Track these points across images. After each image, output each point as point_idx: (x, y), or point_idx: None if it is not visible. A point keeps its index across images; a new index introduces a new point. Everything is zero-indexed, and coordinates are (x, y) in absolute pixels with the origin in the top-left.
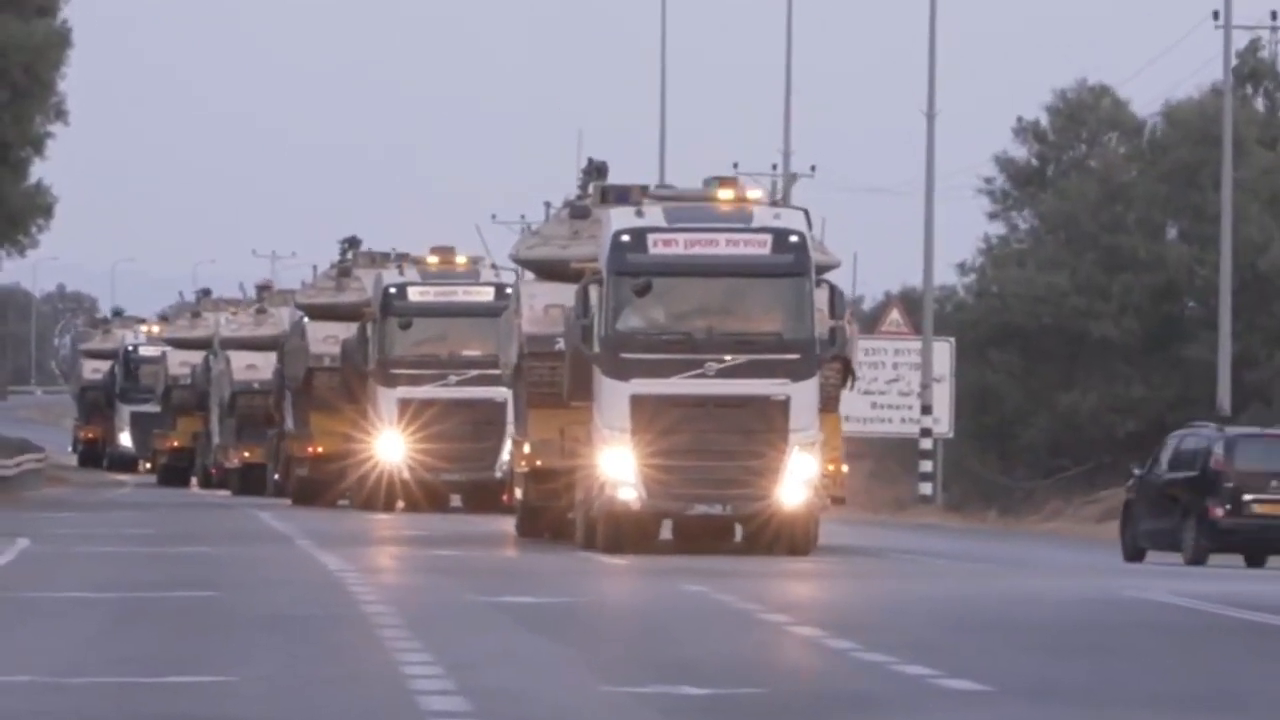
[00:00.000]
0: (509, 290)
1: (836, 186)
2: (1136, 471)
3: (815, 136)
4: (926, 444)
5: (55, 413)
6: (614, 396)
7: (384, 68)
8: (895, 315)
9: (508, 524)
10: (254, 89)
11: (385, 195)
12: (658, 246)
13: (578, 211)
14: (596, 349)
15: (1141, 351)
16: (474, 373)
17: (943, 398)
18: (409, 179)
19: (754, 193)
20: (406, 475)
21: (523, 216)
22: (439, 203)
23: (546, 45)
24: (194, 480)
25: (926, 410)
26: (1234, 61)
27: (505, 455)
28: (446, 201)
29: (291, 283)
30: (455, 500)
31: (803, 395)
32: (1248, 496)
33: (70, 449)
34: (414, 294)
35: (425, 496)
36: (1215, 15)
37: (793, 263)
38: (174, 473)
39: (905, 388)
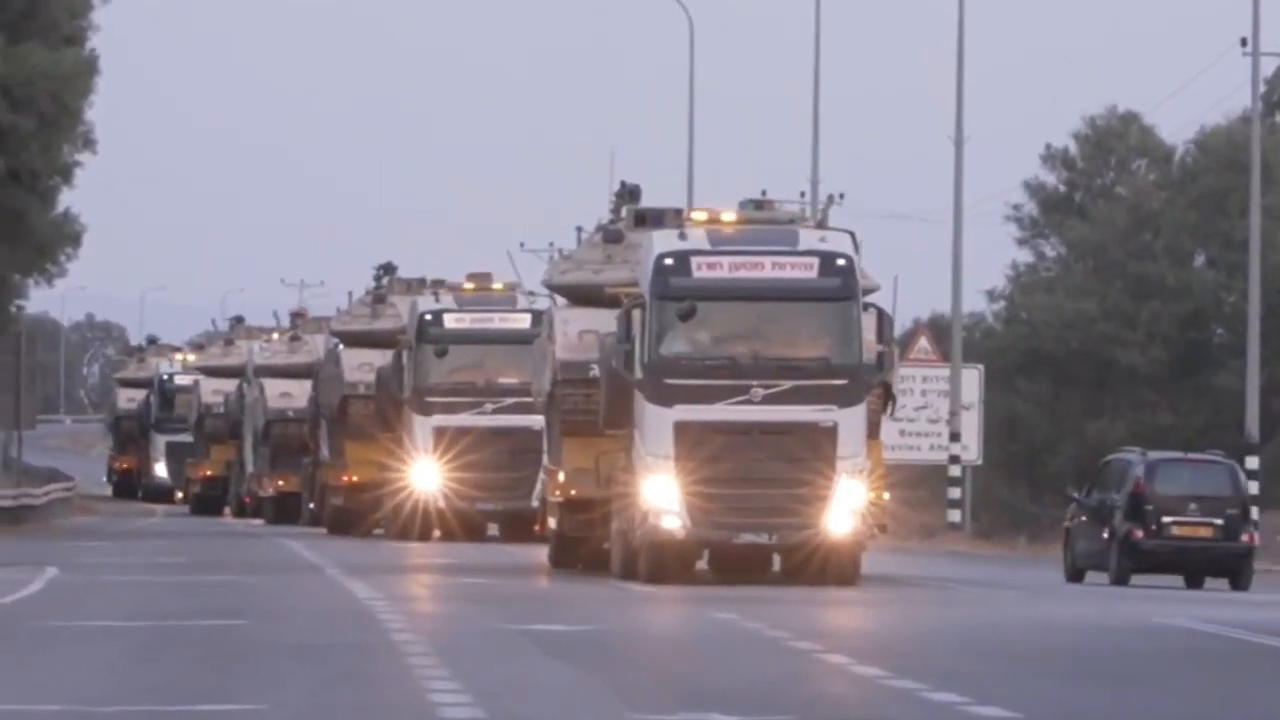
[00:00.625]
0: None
1: (865, 213)
2: (1074, 496)
3: (844, 163)
4: (955, 471)
5: (84, 442)
6: (657, 423)
7: (411, 99)
8: (923, 342)
9: (542, 554)
10: (283, 121)
11: (414, 224)
12: (702, 270)
13: (611, 235)
14: (639, 374)
15: (1169, 379)
16: (510, 401)
17: (971, 425)
18: (437, 208)
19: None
20: (442, 504)
21: (551, 243)
22: (468, 231)
23: (573, 74)
24: (227, 510)
25: (955, 437)
26: (1262, 88)
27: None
28: (475, 229)
29: (322, 311)
30: (493, 529)
31: (851, 422)
32: (1167, 519)
33: (105, 479)
34: (450, 321)
35: (461, 526)
36: (1243, 42)
37: (840, 286)
38: (207, 502)
39: (934, 415)
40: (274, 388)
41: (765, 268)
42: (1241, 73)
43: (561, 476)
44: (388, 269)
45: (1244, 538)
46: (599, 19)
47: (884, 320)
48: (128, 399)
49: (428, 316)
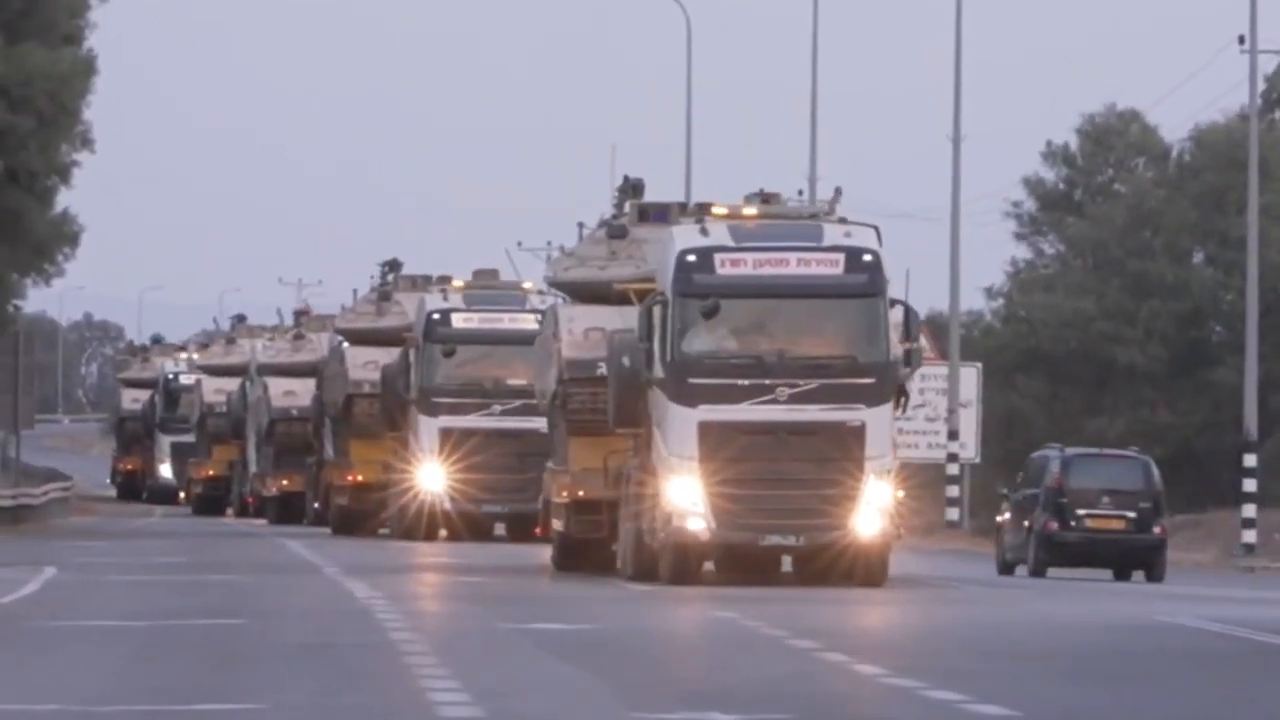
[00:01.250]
0: None
1: (863, 210)
2: (1004, 492)
3: (842, 160)
4: (953, 469)
5: (83, 442)
6: (680, 423)
7: (411, 97)
8: (921, 340)
9: (544, 552)
10: (281, 120)
11: (412, 221)
12: (725, 266)
13: (615, 231)
14: (660, 373)
15: (1168, 377)
16: (518, 402)
17: (969, 423)
18: (435, 205)
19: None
20: (448, 506)
21: (549, 242)
22: (467, 226)
23: (573, 71)
24: (229, 510)
25: (953, 436)
26: (1261, 86)
27: None
28: (473, 225)
29: (321, 310)
30: (499, 529)
31: (878, 421)
32: (1080, 511)
33: (108, 481)
34: (458, 320)
35: (467, 527)
36: (1241, 40)
37: (867, 283)
38: (209, 502)
39: (932, 413)
40: (278, 386)
41: (790, 264)
42: (1240, 70)
43: (568, 478)
44: (393, 265)
45: (1156, 530)
46: (598, 17)
47: (911, 316)
48: (132, 399)
49: (435, 316)
